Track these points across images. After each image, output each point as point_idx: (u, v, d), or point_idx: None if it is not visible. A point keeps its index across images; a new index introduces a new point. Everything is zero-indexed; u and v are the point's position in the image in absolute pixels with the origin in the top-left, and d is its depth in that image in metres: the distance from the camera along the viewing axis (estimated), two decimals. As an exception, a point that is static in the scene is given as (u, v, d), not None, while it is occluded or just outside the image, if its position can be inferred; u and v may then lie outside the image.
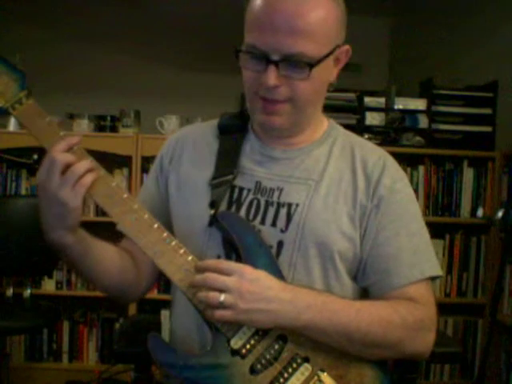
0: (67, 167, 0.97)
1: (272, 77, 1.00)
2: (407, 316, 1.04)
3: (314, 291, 1.03)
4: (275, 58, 1.00)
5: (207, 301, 0.96)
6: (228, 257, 1.08)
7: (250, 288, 0.95)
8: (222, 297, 0.94)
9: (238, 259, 1.05)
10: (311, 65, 1.00)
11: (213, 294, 0.95)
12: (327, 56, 1.03)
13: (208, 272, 0.98)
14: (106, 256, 1.11)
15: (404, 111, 2.84)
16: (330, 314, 0.99)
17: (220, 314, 0.96)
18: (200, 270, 1.00)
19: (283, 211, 1.09)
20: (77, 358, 3.02)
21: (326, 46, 1.03)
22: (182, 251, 1.03)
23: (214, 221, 1.08)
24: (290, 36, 0.98)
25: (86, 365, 3.01)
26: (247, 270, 0.98)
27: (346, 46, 1.08)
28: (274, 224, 1.08)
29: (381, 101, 2.87)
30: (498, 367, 2.74)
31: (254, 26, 1.02)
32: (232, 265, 0.98)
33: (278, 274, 1.03)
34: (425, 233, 1.13)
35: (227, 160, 1.14)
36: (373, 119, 2.85)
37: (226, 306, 0.95)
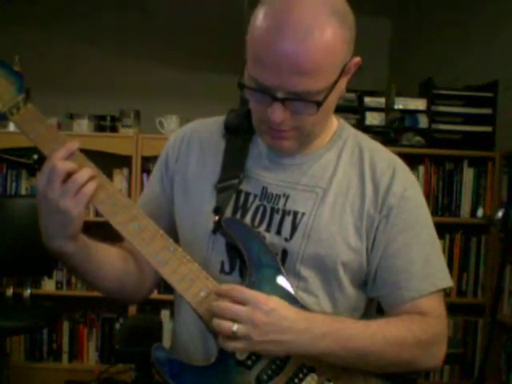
0: (68, 175, 0.95)
1: (278, 114, 0.96)
2: (421, 334, 1.03)
3: (328, 318, 1.01)
4: (280, 95, 0.95)
5: (220, 329, 0.94)
6: (232, 263, 1.07)
7: (264, 319, 0.92)
8: (235, 327, 0.92)
9: (243, 266, 1.04)
10: (319, 102, 0.96)
11: (225, 324, 0.92)
12: (336, 82, 0.97)
13: (222, 299, 0.95)
14: (107, 260, 1.10)
15: (404, 111, 2.84)
16: (345, 341, 0.98)
17: (233, 345, 0.94)
18: (216, 294, 0.97)
19: (288, 219, 1.07)
20: (77, 358, 3.02)
21: (334, 74, 0.96)
22: (186, 260, 1.01)
23: (218, 227, 1.07)
24: (294, 75, 0.92)
25: (86, 365, 3.00)
26: (262, 299, 0.94)
27: (356, 60, 1.01)
28: (278, 232, 1.07)
29: (381, 101, 2.87)
30: (498, 367, 2.73)
31: (256, 59, 0.95)
32: (246, 293, 0.95)
33: (283, 281, 1.02)
34: (435, 241, 1.11)
35: (234, 162, 1.11)
36: (373, 119, 2.85)
37: (238, 337, 0.92)
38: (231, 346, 0.94)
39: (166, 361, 1.00)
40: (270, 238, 1.07)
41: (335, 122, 1.15)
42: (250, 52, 0.97)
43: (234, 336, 0.93)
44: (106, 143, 2.82)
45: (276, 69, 0.92)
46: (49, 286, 2.94)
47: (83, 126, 2.90)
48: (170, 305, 2.76)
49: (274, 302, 0.95)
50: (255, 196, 1.10)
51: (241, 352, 0.99)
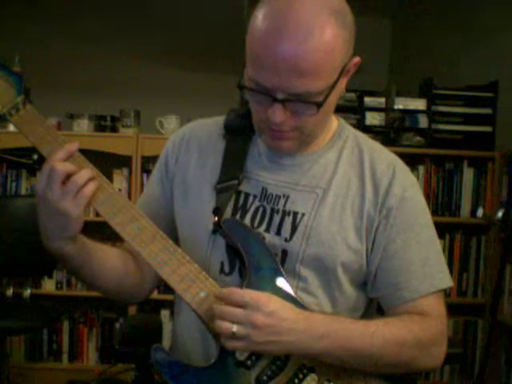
0: (68, 177, 0.95)
1: (278, 115, 0.96)
2: (420, 334, 1.02)
3: (327, 318, 1.01)
4: (280, 96, 0.95)
5: (220, 330, 0.94)
6: (232, 264, 1.07)
7: (264, 321, 0.92)
8: (235, 328, 0.92)
9: (242, 266, 1.04)
10: (319, 103, 0.96)
11: (225, 325, 0.93)
12: (336, 82, 0.97)
13: (222, 302, 0.95)
14: (107, 261, 1.10)
15: (404, 111, 2.84)
16: (344, 342, 0.98)
17: (232, 344, 0.94)
18: (216, 298, 0.98)
19: (288, 220, 1.07)
20: (77, 358, 3.02)
21: (333, 74, 0.96)
22: (185, 260, 1.01)
23: (217, 228, 1.07)
24: (294, 77, 0.92)
25: (86, 365, 3.01)
26: (262, 301, 0.94)
27: (355, 60, 1.01)
28: (278, 232, 1.07)
29: (381, 101, 2.87)
30: (498, 367, 2.73)
31: (255, 61, 0.94)
32: (246, 296, 0.94)
33: (283, 282, 1.03)
34: (435, 241, 1.11)
35: (233, 163, 1.11)
36: (373, 119, 2.85)
37: (238, 337, 0.93)
38: (231, 345, 0.95)
39: (165, 362, 1.00)
40: (270, 238, 1.07)
41: (335, 122, 1.15)
42: (249, 53, 0.96)
43: (233, 337, 0.93)
44: (106, 143, 2.82)
45: (276, 70, 0.92)
46: (49, 285, 2.95)
47: (83, 126, 2.90)
48: (170, 305, 2.76)
49: (274, 303, 0.95)
50: (255, 197, 1.10)
51: (241, 351, 0.99)
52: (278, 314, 0.94)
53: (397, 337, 1.01)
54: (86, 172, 0.97)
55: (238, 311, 0.93)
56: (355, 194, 1.08)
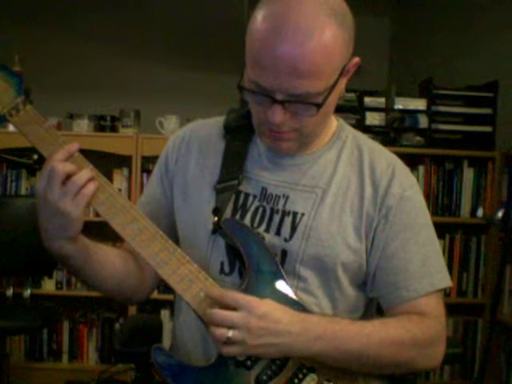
0: (68, 177, 0.95)
1: (278, 115, 0.96)
2: (418, 334, 1.02)
3: (324, 319, 1.00)
4: (280, 97, 0.95)
5: (215, 336, 0.94)
6: (231, 264, 1.07)
7: (258, 324, 0.93)
8: (230, 333, 0.92)
9: (242, 266, 1.04)
10: (319, 104, 0.96)
11: (220, 331, 0.93)
12: (335, 83, 0.98)
13: (215, 306, 0.95)
14: (107, 261, 1.10)
15: (404, 111, 2.84)
16: (340, 343, 0.98)
17: (227, 350, 0.94)
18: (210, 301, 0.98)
19: (288, 220, 1.07)
20: (77, 358, 3.02)
21: (333, 75, 0.97)
22: (185, 260, 1.01)
23: (217, 228, 1.07)
24: (294, 78, 0.92)
25: (86, 365, 3.01)
26: (254, 304, 0.94)
27: (355, 60, 1.01)
28: (278, 233, 1.07)
29: (381, 101, 2.87)
30: (498, 367, 2.73)
31: (255, 62, 0.95)
32: (239, 300, 0.95)
33: (282, 283, 1.03)
34: (435, 242, 1.11)
35: (233, 163, 1.11)
36: (373, 119, 2.85)
37: (234, 342, 0.93)
38: (225, 350, 0.95)
39: (165, 362, 1.00)
40: (270, 238, 1.07)
41: (335, 122, 1.16)
42: (249, 54, 0.97)
43: (229, 342, 0.93)
44: (106, 143, 2.82)
45: (275, 71, 0.92)
46: (49, 285, 2.94)
47: (83, 126, 2.90)
48: (170, 305, 2.76)
49: (266, 305, 0.95)
50: (255, 197, 1.10)
51: (237, 356, 0.99)
52: (270, 316, 0.94)
53: (394, 337, 1.01)
54: (86, 172, 0.97)
55: (234, 315, 0.93)
56: (354, 193, 1.08)
